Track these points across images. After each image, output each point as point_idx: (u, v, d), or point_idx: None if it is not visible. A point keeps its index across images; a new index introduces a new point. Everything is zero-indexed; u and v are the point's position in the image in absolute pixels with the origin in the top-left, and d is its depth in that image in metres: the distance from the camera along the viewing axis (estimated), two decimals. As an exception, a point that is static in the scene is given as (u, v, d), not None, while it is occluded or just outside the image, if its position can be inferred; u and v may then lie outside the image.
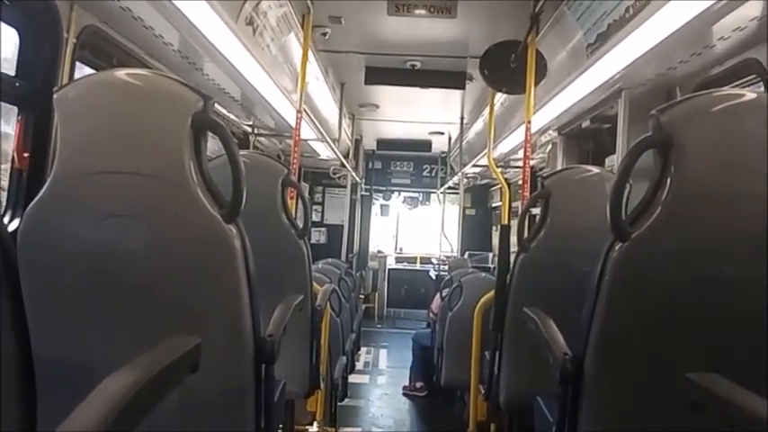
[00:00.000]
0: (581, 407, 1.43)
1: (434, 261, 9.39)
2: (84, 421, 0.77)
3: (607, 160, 4.06)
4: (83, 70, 2.43)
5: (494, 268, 7.32)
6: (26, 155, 2.11)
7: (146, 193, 1.36)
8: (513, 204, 6.09)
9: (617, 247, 1.34)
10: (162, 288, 1.39)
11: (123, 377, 0.88)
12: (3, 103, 2.07)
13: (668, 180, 1.28)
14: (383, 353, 7.59)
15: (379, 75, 5.38)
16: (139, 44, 2.81)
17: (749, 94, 1.33)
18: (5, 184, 2.14)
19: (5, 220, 2.06)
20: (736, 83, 2.50)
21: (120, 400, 0.82)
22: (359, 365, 6.58)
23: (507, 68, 3.78)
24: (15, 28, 2.11)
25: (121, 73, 1.44)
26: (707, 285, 1.28)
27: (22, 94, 2.10)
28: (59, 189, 1.37)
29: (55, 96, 1.39)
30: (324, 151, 6.72)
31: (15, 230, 1.38)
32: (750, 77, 2.42)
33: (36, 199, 1.37)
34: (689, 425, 1.21)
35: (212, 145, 1.51)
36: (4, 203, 2.12)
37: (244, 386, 1.47)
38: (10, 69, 2.09)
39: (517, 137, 5.03)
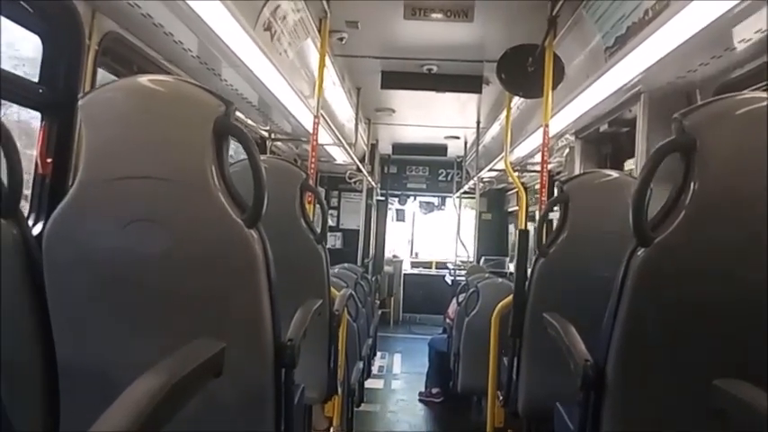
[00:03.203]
0: (602, 414, 1.41)
1: (450, 266, 9.36)
2: (115, 423, 0.78)
3: (626, 164, 4.03)
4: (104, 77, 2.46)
5: (510, 273, 7.29)
6: (49, 160, 2.14)
7: (168, 198, 1.38)
8: (530, 209, 6.06)
9: (639, 253, 1.32)
10: (184, 292, 1.40)
11: (151, 380, 0.89)
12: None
13: (692, 184, 1.27)
14: (398, 358, 7.58)
15: (396, 79, 5.38)
16: (159, 50, 2.84)
17: (772, 98, 1.31)
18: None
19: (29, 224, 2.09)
20: (758, 85, 2.48)
21: (148, 402, 0.83)
22: (374, 370, 6.58)
23: (524, 72, 3.77)
24: (38, 35, 2.14)
25: (144, 79, 1.46)
26: (731, 290, 1.27)
27: (45, 101, 2.13)
28: (84, 194, 1.39)
29: (80, 103, 1.41)
30: (340, 156, 6.74)
31: (40, 234, 1.40)
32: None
33: (62, 204, 1.39)
34: None
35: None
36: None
37: (264, 390, 1.48)
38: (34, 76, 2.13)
39: (534, 141, 5.00)
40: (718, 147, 1.27)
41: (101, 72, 2.37)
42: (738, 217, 1.26)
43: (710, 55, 2.53)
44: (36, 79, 2.13)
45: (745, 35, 2.26)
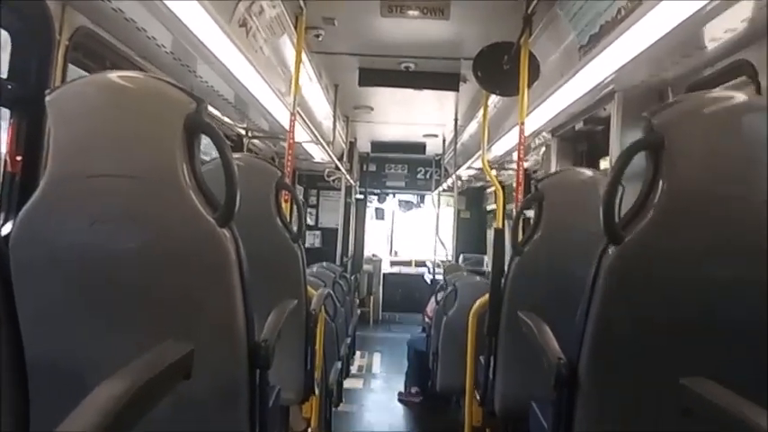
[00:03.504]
0: (575, 411, 1.42)
1: (429, 264, 9.38)
2: (79, 426, 0.76)
3: (601, 162, 4.07)
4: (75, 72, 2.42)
5: (488, 272, 7.33)
6: (18, 158, 2.10)
7: (138, 197, 1.36)
8: (508, 207, 6.09)
9: (610, 251, 1.34)
10: (155, 292, 1.38)
11: (115, 385, 0.87)
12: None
13: (660, 182, 1.29)
14: (378, 357, 7.58)
15: (373, 76, 5.37)
16: (132, 46, 2.79)
17: (740, 96, 1.33)
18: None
19: (-3, 223, 2.05)
20: (728, 84, 2.51)
21: (112, 407, 0.81)
22: (353, 369, 6.57)
23: (500, 70, 3.79)
24: (7, 30, 2.10)
25: (114, 75, 1.44)
26: (700, 288, 1.28)
27: (14, 97, 2.08)
28: (52, 192, 1.36)
29: (47, 99, 1.38)
30: (318, 154, 6.71)
31: (8, 234, 1.37)
32: (741, 79, 2.43)
33: (29, 202, 1.37)
34: (682, 430, 1.21)
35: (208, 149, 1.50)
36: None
37: (238, 392, 1.46)
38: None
39: (511, 139, 5.03)
40: (686, 145, 1.29)
41: (73, 69, 2.33)
42: (705, 215, 1.27)
43: (682, 54, 2.56)
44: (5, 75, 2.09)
45: (715, 34, 2.29)
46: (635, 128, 3.05)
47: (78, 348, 1.39)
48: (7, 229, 1.94)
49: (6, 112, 2.11)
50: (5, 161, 2.11)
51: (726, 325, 1.27)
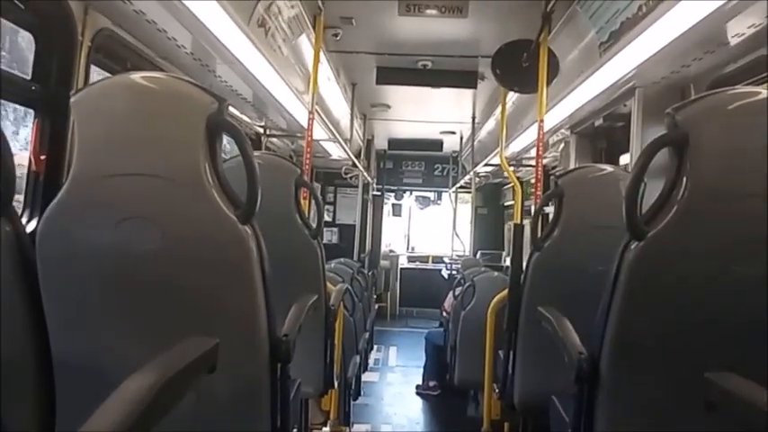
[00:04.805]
0: (597, 406, 1.42)
1: (446, 260, 9.37)
2: (106, 422, 0.78)
3: (620, 159, 4.04)
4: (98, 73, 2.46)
5: (506, 267, 7.30)
6: (42, 157, 2.14)
7: (162, 195, 1.38)
8: (526, 203, 6.06)
9: (632, 246, 1.33)
10: (178, 289, 1.41)
11: (143, 378, 0.89)
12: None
13: (684, 178, 1.28)
14: (394, 351, 7.59)
15: (391, 75, 5.37)
16: (153, 47, 2.83)
17: (765, 92, 1.32)
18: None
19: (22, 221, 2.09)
20: (751, 80, 2.48)
21: (140, 401, 0.83)
22: (369, 363, 6.58)
23: (519, 68, 3.77)
24: (31, 31, 2.14)
25: (137, 76, 1.46)
26: (723, 284, 1.28)
27: (38, 97, 2.12)
28: (77, 191, 1.39)
29: (72, 99, 1.41)
30: (335, 151, 6.73)
31: (33, 231, 1.40)
32: (765, 74, 2.40)
33: (54, 201, 1.39)
34: (706, 425, 1.21)
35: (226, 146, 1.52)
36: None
37: (260, 385, 1.49)
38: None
39: (529, 136, 5.01)
40: (711, 141, 1.28)
41: (95, 70, 2.36)
42: (729, 211, 1.27)
43: (704, 50, 2.53)
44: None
45: (738, 30, 2.26)
46: (656, 124, 3.02)
47: (102, 345, 1.42)
48: (31, 227, 1.98)
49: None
50: (30, 160, 2.15)
51: (749, 321, 1.26)
